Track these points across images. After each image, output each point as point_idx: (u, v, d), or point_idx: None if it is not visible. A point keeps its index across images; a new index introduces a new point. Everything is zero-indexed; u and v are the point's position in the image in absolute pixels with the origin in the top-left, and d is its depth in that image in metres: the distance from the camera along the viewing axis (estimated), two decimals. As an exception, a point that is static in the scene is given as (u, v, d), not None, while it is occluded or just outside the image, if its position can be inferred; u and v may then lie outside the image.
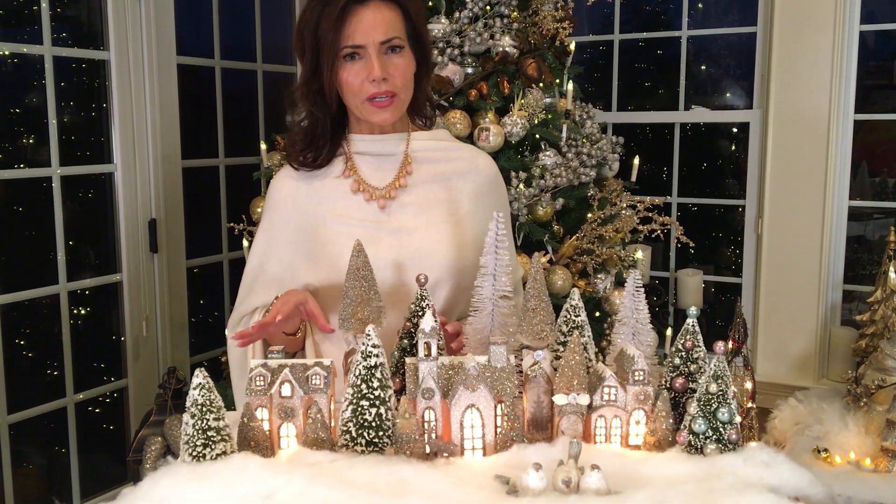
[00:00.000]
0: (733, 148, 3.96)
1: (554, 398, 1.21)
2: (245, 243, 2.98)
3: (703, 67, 3.92)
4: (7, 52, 2.82)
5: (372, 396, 1.17)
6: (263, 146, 3.09)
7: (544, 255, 2.68)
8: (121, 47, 3.00)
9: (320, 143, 1.64)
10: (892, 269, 2.94)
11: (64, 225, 2.89)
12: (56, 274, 2.89)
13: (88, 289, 3.05)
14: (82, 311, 3.07)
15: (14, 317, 2.85)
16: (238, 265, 3.47)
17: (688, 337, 1.26)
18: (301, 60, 1.60)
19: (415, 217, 1.63)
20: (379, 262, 1.56)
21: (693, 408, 1.17)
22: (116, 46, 2.98)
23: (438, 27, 2.72)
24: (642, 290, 1.33)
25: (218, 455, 1.13)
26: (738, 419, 1.17)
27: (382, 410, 1.17)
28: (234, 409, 1.58)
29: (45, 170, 2.85)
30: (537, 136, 2.74)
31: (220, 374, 2.97)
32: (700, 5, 3.86)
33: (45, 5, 2.77)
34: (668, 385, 1.26)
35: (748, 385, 2.76)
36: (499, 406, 1.20)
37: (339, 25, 1.50)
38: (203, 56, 3.45)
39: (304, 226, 1.65)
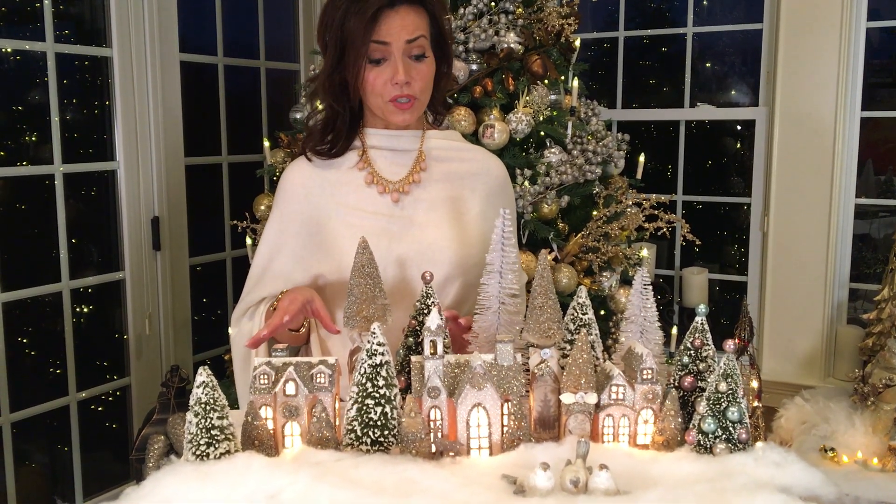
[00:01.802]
0: (739, 146, 3.95)
1: (561, 397, 1.20)
2: (248, 241, 2.97)
3: (708, 65, 3.91)
4: (9, 50, 2.81)
5: (377, 395, 1.15)
6: (266, 143, 3.08)
7: (549, 252, 2.67)
8: (123, 44, 2.98)
9: (338, 134, 1.66)
10: (899, 267, 2.93)
11: (66, 223, 2.87)
12: (58, 272, 2.88)
13: (91, 287, 3.04)
14: (85, 309, 3.06)
15: (16, 315, 2.84)
16: (241, 263, 3.46)
17: (696, 335, 1.24)
18: (324, 52, 1.62)
19: (426, 213, 1.65)
20: (390, 255, 1.58)
21: (702, 407, 1.16)
22: (119, 43, 2.97)
23: (443, 23, 2.70)
24: (650, 287, 1.31)
25: (222, 454, 1.12)
26: (747, 419, 1.15)
27: (388, 409, 1.16)
28: (238, 407, 1.57)
29: (48, 167, 2.84)
30: (542, 133, 2.73)
31: (223, 373, 2.96)
32: (705, 2, 3.85)
33: (47, 2, 2.76)
34: (676, 384, 1.24)
35: (754, 384, 2.76)
36: (505, 405, 1.19)
37: (370, 28, 1.52)
38: (206, 53, 3.44)
39: (316, 217, 1.65)
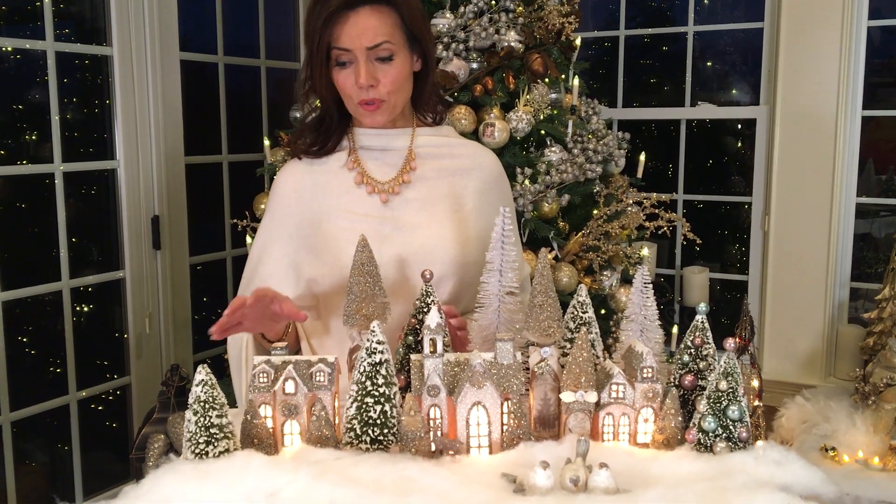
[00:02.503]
0: (739, 144, 3.94)
1: (561, 395, 1.20)
2: (248, 240, 2.97)
3: (709, 63, 3.90)
4: (10, 48, 2.80)
5: (377, 393, 1.15)
6: (266, 142, 3.08)
7: (550, 251, 2.67)
8: (124, 43, 2.98)
9: (326, 132, 1.65)
10: (900, 266, 2.92)
11: (66, 222, 2.87)
12: (59, 271, 2.87)
13: (91, 286, 3.04)
14: (85, 308, 3.06)
15: (17, 314, 2.84)
16: (241, 262, 3.42)
17: (697, 334, 1.24)
18: None
19: (418, 213, 1.63)
20: (382, 257, 1.56)
21: (703, 405, 1.15)
22: (119, 42, 2.97)
23: (443, 22, 2.70)
24: (650, 286, 1.31)
25: (221, 452, 1.12)
26: (748, 417, 1.15)
27: (387, 408, 1.15)
28: (236, 406, 1.57)
29: (48, 166, 2.84)
30: (543, 131, 2.72)
31: (223, 372, 2.95)
32: (706, 1, 3.84)
33: (47, 1, 2.75)
34: (676, 382, 1.24)
35: (755, 383, 2.75)
36: (505, 403, 1.19)
37: (328, 30, 1.51)
38: (206, 52, 3.43)
39: (308, 219, 1.64)
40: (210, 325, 1.38)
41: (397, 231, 1.61)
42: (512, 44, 2.72)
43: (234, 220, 3.00)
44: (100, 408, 3.12)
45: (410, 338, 1.32)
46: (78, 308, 3.01)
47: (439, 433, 1.17)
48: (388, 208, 1.62)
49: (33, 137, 2.90)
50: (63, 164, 2.86)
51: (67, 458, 2.98)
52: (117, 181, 3.03)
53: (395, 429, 1.16)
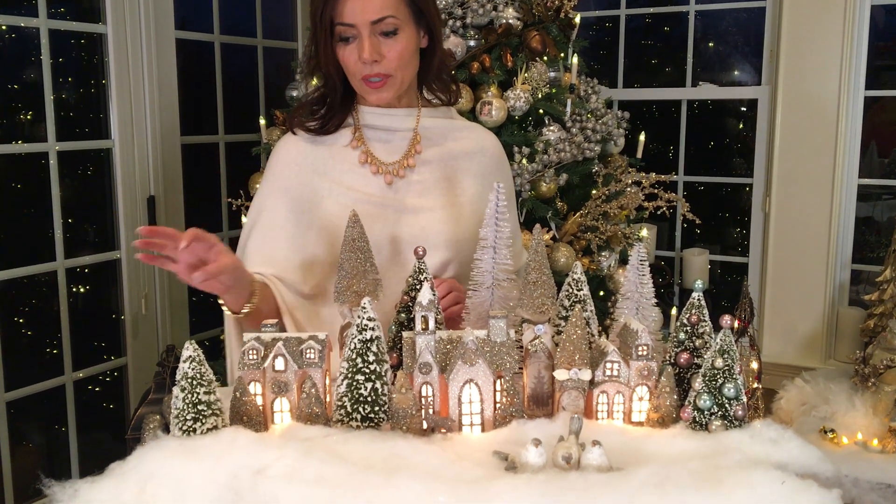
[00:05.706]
0: (741, 126, 3.91)
1: (555, 373, 1.18)
2: (244, 220, 2.95)
3: (710, 44, 3.86)
4: (4, 27, 2.77)
5: (367, 371, 1.13)
6: (263, 122, 3.06)
7: (547, 231, 2.64)
8: (118, 21, 2.95)
9: (330, 109, 1.62)
10: (901, 247, 2.90)
11: (62, 201, 2.85)
12: (54, 251, 2.86)
13: (87, 266, 3.02)
14: (81, 289, 3.05)
15: (12, 294, 2.83)
16: (237, 242, 3.43)
17: (693, 311, 1.22)
18: None
19: (421, 196, 1.61)
20: (383, 238, 1.55)
21: (698, 383, 1.14)
22: (114, 20, 2.93)
23: (441, -1, 2.67)
24: (647, 263, 1.29)
25: (209, 429, 1.10)
26: (744, 396, 1.13)
27: (378, 385, 1.14)
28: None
29: (43, 145, 2.81)
30: (541, 110, 2.70)
31: (219, 352, 2.94)
32: (708, -20, 3.80)
33: (40, -23, 2.72)
34: (672, 360, 1.22)
35: (754, 365, 2.74)
36: (498, 381, 1.17)
37: (331, 8, 1.49)
38: (202, 31, 3.40)
39: (308, 195, 1.61)
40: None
41: (400, 214, 1.59)
42: (510, 21, 2.68)
43: (230, 200, 2.98)
44: (96, 389, 3.11)
45: (403, 315, 1.30)
46: (74, 289, 2.99)
47: (431, 411, 1.16)
48: (392, 190, 1.61)
49: (28, 117, 2.88)
50: (58, 143, 2.84)
51: (63, 438, 2.97)
52: (113, 161, 3.01)
53: (386, 406, 1.14)
